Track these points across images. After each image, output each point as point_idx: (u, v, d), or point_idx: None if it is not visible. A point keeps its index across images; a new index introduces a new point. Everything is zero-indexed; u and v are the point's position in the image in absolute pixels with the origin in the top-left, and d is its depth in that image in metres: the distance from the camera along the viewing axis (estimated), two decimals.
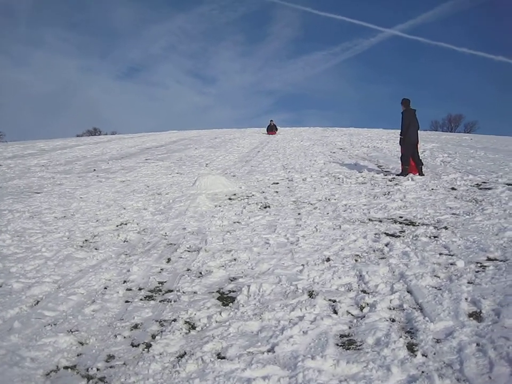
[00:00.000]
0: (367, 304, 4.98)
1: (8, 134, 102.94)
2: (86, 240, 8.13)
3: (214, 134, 36.58)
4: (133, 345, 4.46)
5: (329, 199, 10.73)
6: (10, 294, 5.78)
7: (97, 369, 4.04)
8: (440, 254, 6.49)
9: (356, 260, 6.44)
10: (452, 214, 8.77)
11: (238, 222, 9.02)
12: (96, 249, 7.60)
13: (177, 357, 4.15)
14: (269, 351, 4.13)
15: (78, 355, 4.33)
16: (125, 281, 6.14)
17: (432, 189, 11.31)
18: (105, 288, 5.92)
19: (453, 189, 11.30)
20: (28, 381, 3.90)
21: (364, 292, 5.33)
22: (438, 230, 7.68)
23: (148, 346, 4.40)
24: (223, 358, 4.07)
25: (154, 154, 23.31)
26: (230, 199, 11.42)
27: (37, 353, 4.30)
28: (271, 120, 35.03)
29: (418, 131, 13.69)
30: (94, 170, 18.22)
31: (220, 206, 10.62)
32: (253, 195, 11.66)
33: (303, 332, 4.42)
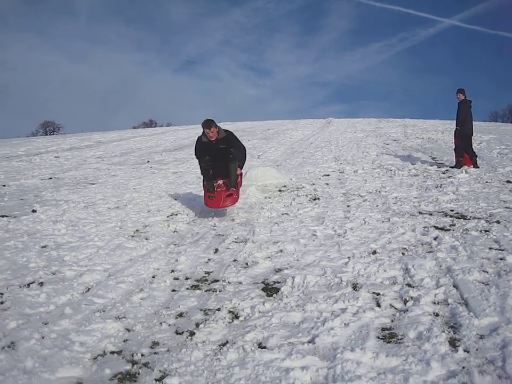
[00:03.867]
0: (411, 298, 4.94)
1: (67, 127, 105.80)
2: (137, 230, 8.34)
3: (267, 126, 36.65)
4: (177, 332, 4.58)
5: (379, 192, 10.64)
6: (63, 281, 6.01)
7: (142, 355, 4.17)
8: (490, 248, 6.36)
9: (403, 253, 6.38)
10: (506, 207, 8.56)
11: (286, 213, 9.06)
12: (146, 239, 7.78)
13: (219, 345, 4.24)
14: (309, 342, 4.16)
15: (124, 341, 4.47)
16: (172, 271, 6.28)
17: (486, 182, 11.06)
18: (153, 277, 6.07)
19: (508, 182, 11.02)
20: (76, 364, 4.06)
21: (409, 285, 5.29)
22: (489, 224, 7.52)
23: (192, 334, 4.51)
24: (264, 347, 4.12)
25: None
26: (280, 190, 11.47)
27: (86, 338, 4.46)
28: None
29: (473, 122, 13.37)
30: (148, 161, 18.58)
31: (269, 198, 10.69)
32: (303, 187, 11.67)
33: (345, 324, 4.43)
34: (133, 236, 7.98)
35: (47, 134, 78.35)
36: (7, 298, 5.58)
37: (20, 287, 5.93)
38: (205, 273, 6.17)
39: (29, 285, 6.00)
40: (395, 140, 22.06)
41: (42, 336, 4.51)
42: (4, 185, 14.21)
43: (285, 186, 11.96)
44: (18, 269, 6.57)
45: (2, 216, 9.79)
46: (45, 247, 7.58)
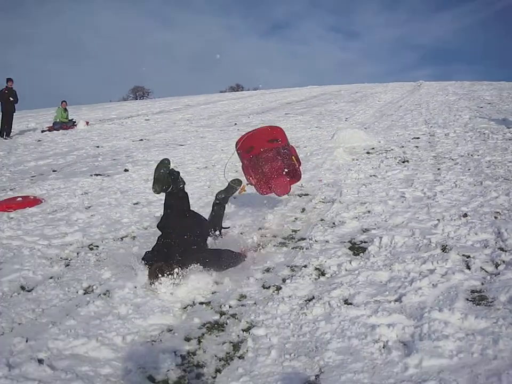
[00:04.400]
0: (503, 261, 4.79)
1: (156, 91, 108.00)
2: None
3: (355, 89, 36.01)
4: (264, 287, 4.69)
5: (472, 155, 10.26)
6: (154, 236, 6.25)
7: (230, 307, 4.33)
8: None
9: (496, 217, 6.16)
10: None
11: (374, 175, 8.95)
12: (234, 197, 7.92)
13: (305, 300, 4.31)
14: (396, 300, 4.15)
15: (212, 293, 4.65)
16: (259, 228, 6.39)
17: None
18: (241, 233, 6.21)
19: None
20: (167, 312, 4.28)
21: (501, 249, 5.12)
22: None
23: (278, 288, 4.61)
24: (350, 304, 4.16)
25: (294, 109, 23.50)
26: (367, 153, 11.31)
27: (176, 289, 4.65)
28: None
29: None
30: (235, 124, 18.77)
31: (357, 160, 10.57)
32: (391, 149, 11.45)
33: (433, 284, 4.38)
34: None
35: (137, 99, 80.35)
36: (102, 250, 5.92)
37: (114, 240, 6.26)
38: (292, 232, 6.25)
39: (122, 238, 6.31)
40: (489, 103, 21.09)
41: (135, 286, 4.76)
42: (98, 147, 14.85)
43: (373, 148, 11.77)
44: (112, 224, 6.92)
45: (97, 175, 10.28)
46: (136, 203, 7.92)
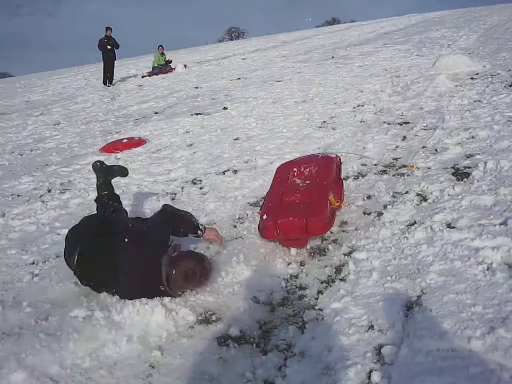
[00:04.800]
0: None
1: (251, 31, 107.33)
2: (323, 122, 8.46)
3: (458, 14, 34.02)
4: (364, 213, 4.68)
5: None
6: (255, 169, 6.40)
7: (331, 232, 4.36)
8: None
9: None
10: None
11: (479, 100, 8.51)
12: (333, 129, 7.88)
13: (407, 225, 4.26)
14: (501, 224, 3.99)
15: None
16: (360, 158, 6.33)
17: None
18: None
19: None
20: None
21: None
22: None
23: (379, 214, 4.58)
24: (453, 227, 4.06)
25: (392, 39, 22.63)
26: (471, 78, 10.74)
27: None
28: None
29: None
30: (332, 57, 18.37)
31: (460, 86, 10.09)
32: (497, 74, 10.78)
33: None
34: (320, 127, 8.12)
35: (232, 39, 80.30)
36: (205, 184, 6.10)
37: (217, 174, 6.43)
38: (393, 159, 6.14)
39: (224, 172, 6.47)
40: None
41: (239, 217, 4.93)
42: (197, 88, 15.11)
43: (477, 74, 11.15)
44: (214, 159, 7.10)
45: (197, 114, 10.50)
46: (237, 139, 8.05)
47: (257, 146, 7.37)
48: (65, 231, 4.83)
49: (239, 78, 15.98)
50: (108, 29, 18.55)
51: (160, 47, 21.25)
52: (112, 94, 16.03)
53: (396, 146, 6.62)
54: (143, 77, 20.31)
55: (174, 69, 20.96)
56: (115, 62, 18.99)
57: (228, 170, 6.54)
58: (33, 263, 4.52)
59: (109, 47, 18.35)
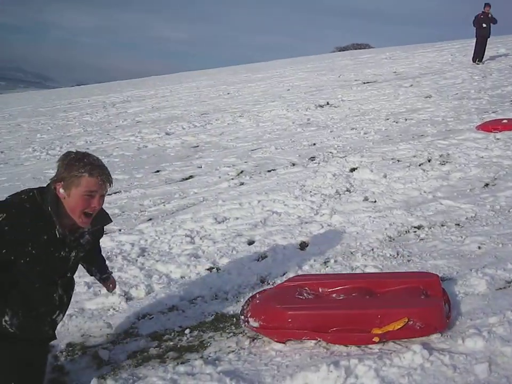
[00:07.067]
0: None
1: None
2: None
3: None
4: None
5: None
6: None
7: None
8: None
9: None
10: None
11: None
12: None
13: None
14: None
15: None
16: None
17: None
18: None
19: None
20: None
21: None
22: None
23: None
24: None
25: None
26: None
27: None
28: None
29: None
30: None
31: None
32: None
33: None
34: None
35: None
36: None
37: None
38: None
39: None
40: None
41: None
42: None
43: None
44: None
45: None
46: None
47: None
48: (448, 202, 5.04)
49: None
50: (486, 5, 17.84)
51: None
52: (483, 72, 15.46)
53: None
54: None
55: None
56: (488, 39, 18.24)
57: None
58: (418, 227, 4.77)
59: (484, 25, 17.68)
